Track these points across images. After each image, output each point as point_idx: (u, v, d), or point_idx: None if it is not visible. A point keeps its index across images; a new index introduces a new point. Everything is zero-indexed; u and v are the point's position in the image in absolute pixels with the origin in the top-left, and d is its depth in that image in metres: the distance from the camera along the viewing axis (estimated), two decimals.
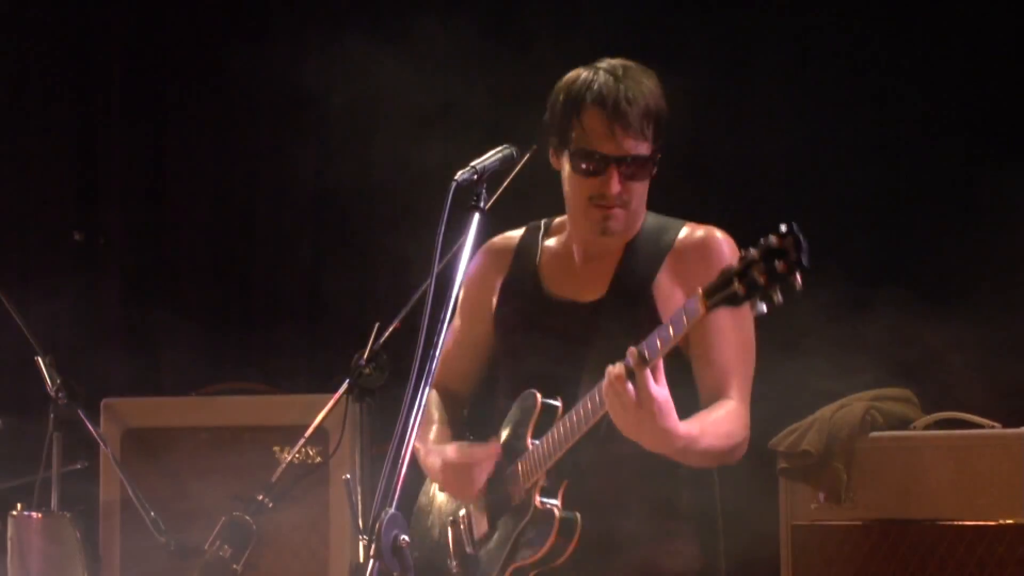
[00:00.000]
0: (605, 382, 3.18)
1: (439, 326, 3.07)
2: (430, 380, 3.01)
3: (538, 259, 3.57)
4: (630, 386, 3.13)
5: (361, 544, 3.32)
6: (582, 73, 3.44)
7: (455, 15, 5.91)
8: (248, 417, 5.42)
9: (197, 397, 5.71)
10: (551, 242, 3.59)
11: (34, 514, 5.16)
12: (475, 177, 3.26)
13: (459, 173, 3.25)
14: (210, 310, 6.57)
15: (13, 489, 5.54)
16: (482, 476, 3.47)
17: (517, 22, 6.00)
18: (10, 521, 5.16)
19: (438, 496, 3.68)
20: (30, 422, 5.49)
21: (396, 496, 2.93)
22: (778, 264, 2.85)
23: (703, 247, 3.46)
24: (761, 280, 2.88)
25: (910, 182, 5.64)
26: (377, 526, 2.89)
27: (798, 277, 2.84)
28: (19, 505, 5.19)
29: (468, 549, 3.52)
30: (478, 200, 3.26)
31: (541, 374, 3.46)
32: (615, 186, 3.37)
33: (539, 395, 3.43)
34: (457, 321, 3.65)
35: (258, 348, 6.60)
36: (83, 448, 5.40)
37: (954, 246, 5.52)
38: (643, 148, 3.38)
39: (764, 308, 2.91)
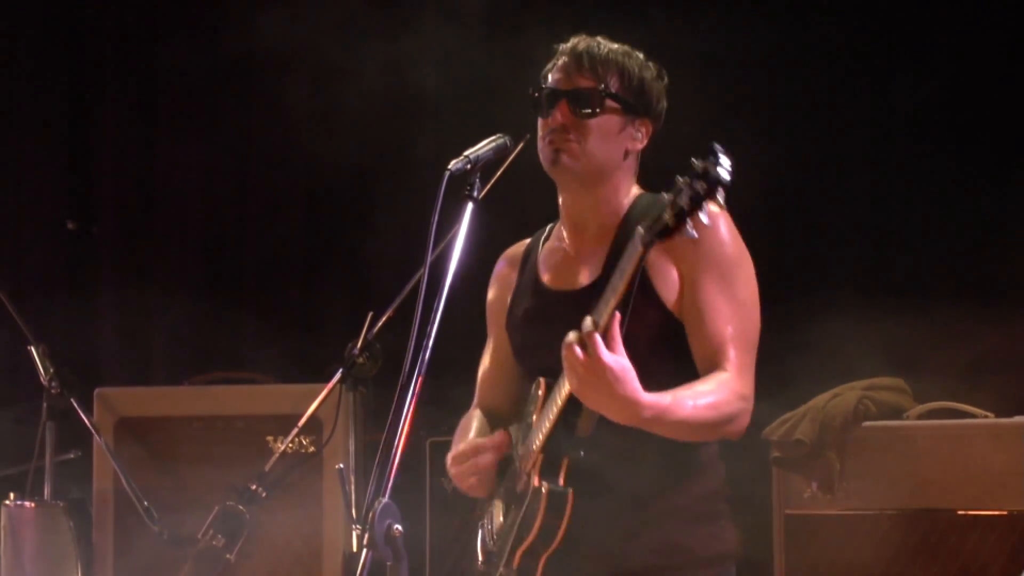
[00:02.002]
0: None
1: (432, 315, 3.08)
2: (423, 369, 3.01)
3: (539, 257, 3.55)
4: (580, 353, 3.03)
5: (354, 533, 3.33)
6: None
7: (452, 4, 5.91)
8: (241, 406, 5.42)
9: (190, 386, 5.71)
10: (550, 240, 3.55)
11: (27, 504, 5.16)
12: (468, 167, 3.25)
13: (453, 162, 3.24)
14: (203, 299, 6.56)
15: (6, 478, 5.54)
16: (486, 464, 3.41)
17: (512, 8, 5.99)
18: (3, 511, 5.16)
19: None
20: (23, 411, 5.49)
21: (389, 486, 2.93)
22: (699, 185, 2.81)
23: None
24: (687, 206, 2.83)
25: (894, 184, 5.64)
26: (370, 515, 2.89)
27: (720, 192, 2.79)
28: (12, 495, 5.20)
29: (491, 545, 3.50)
30: (472, 190, 3.25)
31: (547, 368, 3.37)
32: (558, 115, 3.33)
33: (544, 380, 3.38)
34: (490, 339, 3.62)
35: (251, 337, 6.60)
36: (76, 437, 5.40)
37: (957, 242, 5.53)
38: (596, 85, 3.35)
39: (695, 234, 2.85)
